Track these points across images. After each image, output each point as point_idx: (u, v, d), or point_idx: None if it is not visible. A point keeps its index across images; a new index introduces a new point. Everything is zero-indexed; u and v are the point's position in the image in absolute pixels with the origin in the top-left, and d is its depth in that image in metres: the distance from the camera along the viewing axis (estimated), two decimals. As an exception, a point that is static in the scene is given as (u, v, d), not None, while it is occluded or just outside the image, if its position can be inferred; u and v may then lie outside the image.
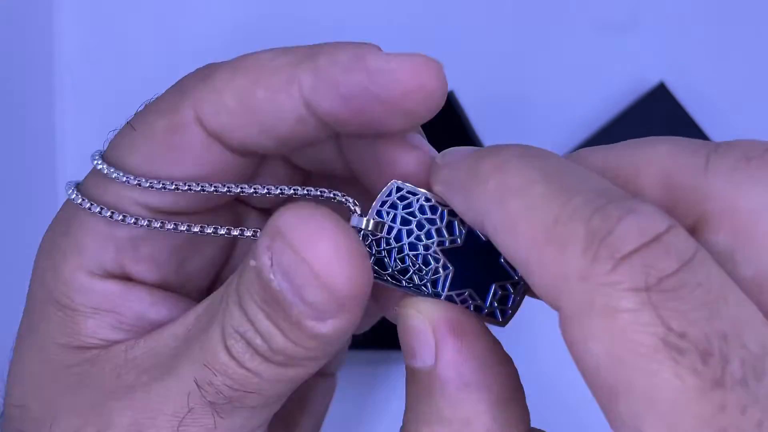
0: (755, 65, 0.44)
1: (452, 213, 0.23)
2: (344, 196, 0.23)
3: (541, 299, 0.19)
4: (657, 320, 0.17)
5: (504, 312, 0.23)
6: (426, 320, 0.22)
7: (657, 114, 0.43)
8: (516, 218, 0.19)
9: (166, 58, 0.43)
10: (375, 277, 0.22)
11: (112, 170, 0.23)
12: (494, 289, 0.23)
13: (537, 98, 0.44)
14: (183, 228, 0.23)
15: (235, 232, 0.23)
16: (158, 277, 0.25)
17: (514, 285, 0.23)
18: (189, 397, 0.22)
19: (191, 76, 0.24)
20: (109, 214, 0.23)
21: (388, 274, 0.23)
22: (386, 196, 0.23)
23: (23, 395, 0.24)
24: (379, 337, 0.41)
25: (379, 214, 0.23)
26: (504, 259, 0.23)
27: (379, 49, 0.22)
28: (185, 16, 0.45)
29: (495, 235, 0.20)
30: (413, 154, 0.23)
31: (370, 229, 0.23)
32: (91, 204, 0.24)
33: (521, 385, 0.22)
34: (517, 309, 0.23)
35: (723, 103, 0.44)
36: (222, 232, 0.23)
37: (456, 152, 0.22)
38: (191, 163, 0.23)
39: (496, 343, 0.22)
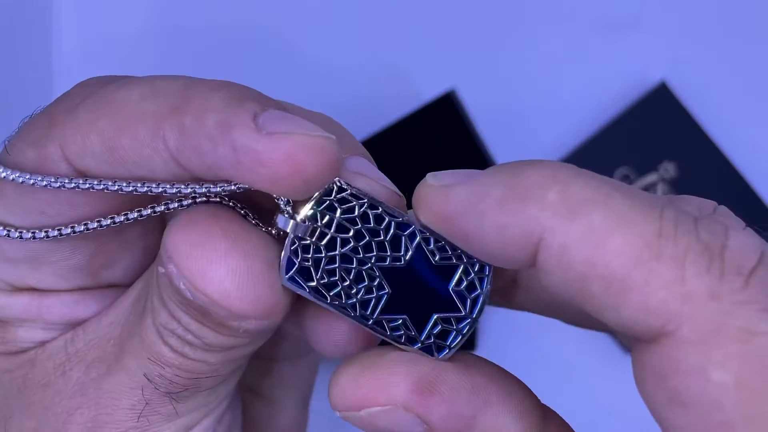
0: (757, 64, 0.44)
1: (401, 227, 0.20)
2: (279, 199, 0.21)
3: (617, 329, 0.17)
4: None
5: (441, 349, 0.20)
6: (390, 400, 0.20)
7: (658, 113, 0.43)
8: (604, 232, 0.17)
9: (166, 57, 0.43)
10: (296, 288, 0.20)
11: None
12: (435, 321, 0.20)
13: (538, 97, 0.44)
14: (67, 231, 0.21)
15: (133, 215, 0.21)
16: (72, 287, 0.23)
17: (459, 320, 0.20)
18: (143, 391, 0.22)
19: (62, 99, 0.21)
20: (5, 233, 0.21)
21: (312, 287, 0.20)
22: (325, 196, 0.20)
23: None
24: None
25: (313, 216, 0.20)
26: (455, 289, 0.20)
27: (257, 108, 0.19)
28: (185, 15, 0.45)
29: (566, 253, 0.17)
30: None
31: (297, 234, 0.20)
32: None
33: (515, 378, 0.21)
34: (456, 348, 0.20)
35: (724, 103, 0.43)
36: (120, 219, 0.21)
37: (458, 173, 0.19)
38: (65, 202, 0.21)
39: (470, 366, 0.20)
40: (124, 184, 0.20)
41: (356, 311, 0.20)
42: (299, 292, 0.20)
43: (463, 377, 0.20)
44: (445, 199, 0.19)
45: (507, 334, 0.39)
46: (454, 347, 0.20)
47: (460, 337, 0.20)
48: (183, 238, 0.19)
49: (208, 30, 0.44)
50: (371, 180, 0.21)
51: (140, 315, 0.22)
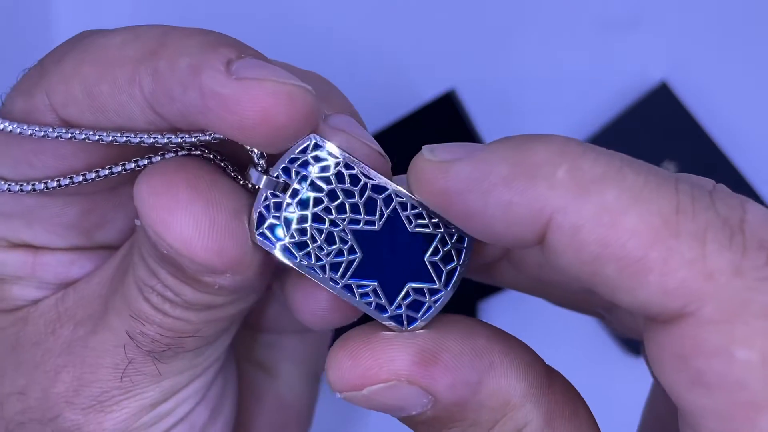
0: (757, 64, 0.44)
1: (377, 189, 0.19)
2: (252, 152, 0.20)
3: (632, 310, 0.17)
4: None
5: (411, 320, 0.20)
6: (392, 375, 0.19)
7: (659, 113, 0.43)
8: (619, 211, 0.16)
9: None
10: (265, 244, 0.19)
11: None
12: (407, 291, 0.20)
13: (539, 97, 0.44)
14: (53, 185, 0.21)
15: (118, 169, 0.21)
16: (66, 245, 0.23)
17: (433, 292, 0.20)
18: (125, 349, 0.21)
19: (56, 50, 0.21)
20: None
21: (281, 246, 0.19)
22: (299, 152, 0.19)
23: None
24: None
25: (286, 171, 0.19)
26: (431, 258, 0.20)
27: (232, 56, 0.19)
28: (185, 15, 0.45)
29: (578, 234, 0.16)
30: (334, 139, 0.20)
31: (269, 189, 0.19)
32: None
33: (515, 339, 0.20)
34: (427, 321, 0.20)
35: (725, 103, 0.43)
36: (105, 172, 0.21)
37: (456, 147, 0.18)
38: (51, 153, 0.21)
39: (472, 330, 0.20)
40: (104, 134, 0.20)
41: (325, 273, 0.19)
42: (268, 249, 0.19)
43: (464, 343, 0.19)
44: (445, 176, 0.18)
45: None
46: (425, 320, 0.20)
47: (431, 310, 0.20)
48: (146, 187, 0.19)
49: (206, 27, 0.44)
50: (352, 137, 0.20)
51: (124, 272, 0.22)
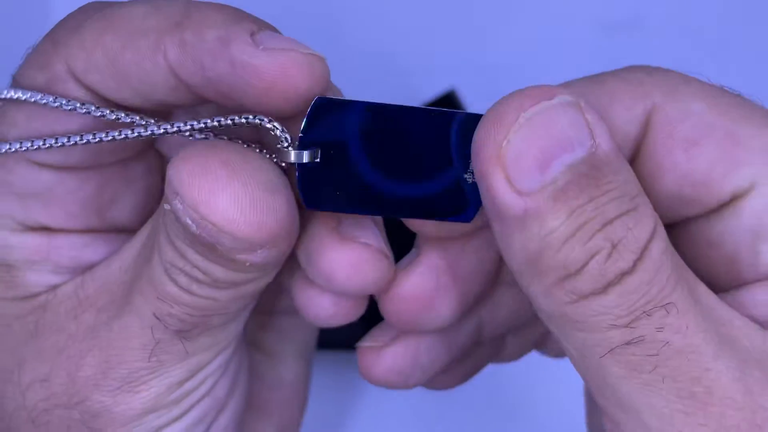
0: (757, 65, 0.44)
1: (394, 112, 0.21)
2: (271, 121, 0.21)
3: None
4: None
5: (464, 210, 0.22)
6: (575, 104, 0.19)
7: (658, 114, 0.43)
8: (617, 88, 0.21)
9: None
10: (318, 208, 0.21)
11: None
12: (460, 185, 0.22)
13: (538, 98, 0.44)
14: (72, 142, 0.21)
15: (130, 134, 0.21)
16: (81, 226, 0.24)
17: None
18: (153, 330, 0.22)
19: (63, 22, 0.22)
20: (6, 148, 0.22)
21: (332, 203, 0.21)
22: (314, 116, 0.21)
23: None
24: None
25: (309, 137, 0.21)
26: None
27: (254, 28, 0.20)
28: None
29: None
30: (344, 251, 0.22)
31: (300, 159, 0.21)
32: None
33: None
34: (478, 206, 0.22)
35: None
36: (132, 134, 0.21)
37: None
38: (77, 118, 0.22)
39: None
40: (122, 114, 0.21)
41: (378, 208, 0.21)
42: (323, 210, 0.21)
43: None
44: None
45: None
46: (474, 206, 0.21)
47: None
48: (185, 170, 0.20)
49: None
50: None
51: (148, 256, 0.22)
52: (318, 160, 0.21)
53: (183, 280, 0.21)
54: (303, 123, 0.21)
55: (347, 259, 0.21)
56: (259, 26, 0.21)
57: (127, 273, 0.23)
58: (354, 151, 0.21)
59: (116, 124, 0.22)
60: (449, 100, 0.42)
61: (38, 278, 0.24)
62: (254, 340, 0.29)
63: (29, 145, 0.22)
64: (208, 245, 0.20)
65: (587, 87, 0.21)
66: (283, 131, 0.21)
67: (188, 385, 0.23)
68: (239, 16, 0.21)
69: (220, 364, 0.24)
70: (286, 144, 0.21)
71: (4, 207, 0.23)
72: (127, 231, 0.24)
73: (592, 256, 0.18)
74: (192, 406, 0.24)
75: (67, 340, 0.23)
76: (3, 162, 0.23)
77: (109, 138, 0.21)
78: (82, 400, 0.22)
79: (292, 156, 0.21)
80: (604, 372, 0.19)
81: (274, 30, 0.21)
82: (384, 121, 0.21)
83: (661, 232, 0.19)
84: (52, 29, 0.22)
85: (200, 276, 0.21)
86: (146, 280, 0.22)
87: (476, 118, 0.20)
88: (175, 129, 0.21)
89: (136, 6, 0.21)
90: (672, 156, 0.21)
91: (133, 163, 0.24)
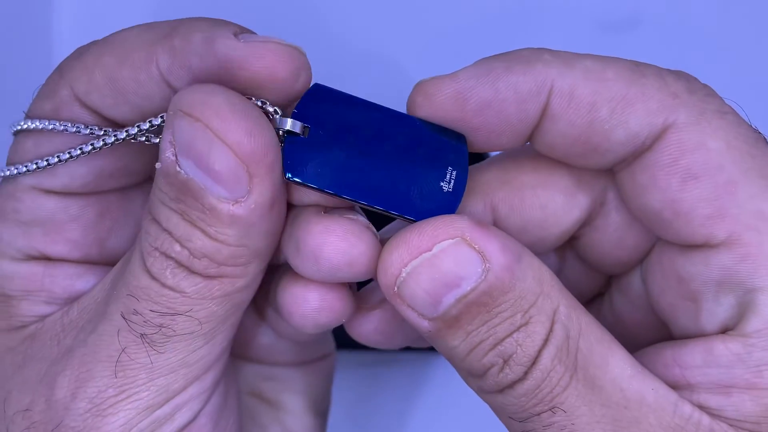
0: (757, 65, 0.44)
1: (379, 112, 0.23)
2: (260, 99, 0.22)
3: (626, 141, 0.22)
4: None
5: (452, 198, 0.23)
6: (458, 232, 0.21)
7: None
8: (600, 69, 0.22)
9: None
10: (295, 180, 0.22)
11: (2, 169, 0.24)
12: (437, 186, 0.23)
13: (538, 98, 0.44)
14: (88, 148, 0.23)
15: (134, 131, 0.23)
16: (79, 255, 0.25)
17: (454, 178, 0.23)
18: (119, 335, 0.22)
19: (71, 55, 0.24)
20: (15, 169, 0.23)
21: (310, 177, 0.22)
22: (305, 98, 0.22)
23: None
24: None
25: (299, 116, 0.22)
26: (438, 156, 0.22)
27: (237, 30, 0.22)
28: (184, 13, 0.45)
29: (575, 90, 0.21)
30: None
31: (293, 128, 0.22)
32: None
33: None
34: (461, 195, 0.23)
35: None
36: (122, 135, 0.23)
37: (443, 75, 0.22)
38: (81, 140, 0.23)
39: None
40: (121, 133, 0.23)
41: (352, 192, 0.22)
42: (298, 183, 0.22)
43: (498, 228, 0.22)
44: (455, 80, 0.22)
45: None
46: (458, 194, 0.23)
47: (461, 188, 0.23)
48: (185, 89, 0.21)
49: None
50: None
51: (127, 260, 0.23)
52: (306, 136, 0.22)
53: (158, 265, 0.22)
54: (299, 100, 0.22)
55: (335, 231, 0.22)
56: (241, 29, 0.22)
57: (106, 290, 0.23)
58: (340, 138, 0.22)
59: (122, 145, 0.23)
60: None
61: (31, 308, 0.24)
62: (259, 392, 0.29)
63: (33, 166, 0.23)
64: (195, 192, 0.21)
65: (628, 73, 0.22)
66: (271, 104, 0.22)
67: (159, 413, 0.23)
68: (222, 21, 0.22)
69: (194, 394, 0.23)
70: (277, 113, 0.22)
71: (9, 235, 0.24)
72: None
73: (488, 370, 0.21)
74: None
75: (48, 366, 0.23)
76: (12, 191, 0.24)
77: (99, 145, 0.23)
78: (56, 426, 0.22)
79: (285, 123, 0.22)
80: None
81: (255, 33, 0.22)
82: (372, 118, 0.22)
83: (557, 334, 0.21)
84: (61, 62, 0.24)
85: (178, 250, 0.21)
86: (121, 282, 0.22)
87: (458, 136, 0.22)
88: (150, 124, 0.23)
89: (130, 29, 0.23)
90: (668, 178, 0.21)
91: (132, 193, 0.25)
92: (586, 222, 0.25)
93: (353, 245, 0.22)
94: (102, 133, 0.23)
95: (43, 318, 0.24)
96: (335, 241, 0.22)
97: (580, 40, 0.44)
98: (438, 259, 0.21)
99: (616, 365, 0.21)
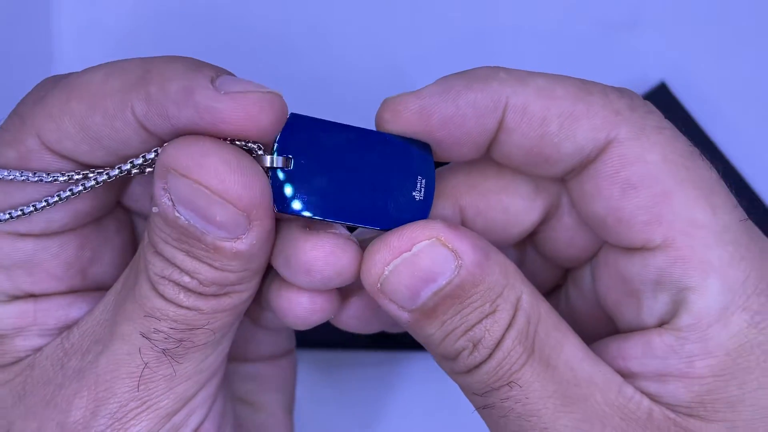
0: (757, 65, 0.44)
1: (356, 134, 0.24)
2: (244, 142, 0.22)
3: (572, 157, 0.24)
4: None
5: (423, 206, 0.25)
6: (433, 234, 0.23)
7: (658, 113, 0.43)
8: (550, 88, 0.23)
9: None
10: (285, 210, 0.23)
11: None
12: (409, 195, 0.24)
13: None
14: (71, 191, 0.23)
15: (115, 172, 0.23)
16: (65, 288, 0.25)
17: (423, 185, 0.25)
18: (141, 352, 0.23)
19: (27, 97, 0.24)
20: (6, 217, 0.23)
21: (299, 206, 0.23)
22: (285, 133, 0.23)
23: None
24: (379, 337, 0.41)
25: (281, 150, 0.23)
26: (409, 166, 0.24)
27: (213, 75, 0.22)
28: (185, 18, 0.45)
29: (528, 107, 0.23)
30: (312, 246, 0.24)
31: (276, 165, 0.23)
32: None
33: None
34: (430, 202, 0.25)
35: (724, 103, 0.43)
36: (103, 178, 0.23)
37: (407, 93, 0.24)
38: (56, 187, 0.23)
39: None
40: (101, 176, 0.23)
41: (338, 215, 0.24)
42: (290, 213, 0.23)
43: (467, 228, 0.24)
44: (418, 96, 0.24)
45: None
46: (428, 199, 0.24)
47: (430, 195, 0.24)
48: (175, 146, 0.22)
49: (206, 28, 0.44)
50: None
51: (132, 284, 0.23)
52: (291, 168, 0.23)
53: (170, 290, 0.23)
54: (278, 134, 0.23)
55: (323, 247, 0.23)
56: (217, 72, 0.22)
57: (108, 312, 0.24)
58: (320, 165, 0.23)
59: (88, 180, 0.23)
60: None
61: (25, 343, 0.24)
62: (239, 394, 0.29)
63: (7, 216, 0.23)
64: (196, 236, 0.22)
65: (576, 90, 0.24)
66: (260, 147, 0.23)
67: (176, 419, 0.24)
68: (197, 64, 0.22)
69: (204, 398, 0.25)
70: (260, 151, 0.23)
71: None
72: (109, 288, 0.25)
73: (459, 353, 0.24)
74: None
75: (54, 390, 0.23)
76: None
77: (87, 189, 0.23)
78: None
79: (267, 160, 0.23)
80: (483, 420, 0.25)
81: (231, 74, 0.23)
82: (347, 139, 0.24)
83: (519, 320, 0.23)
84: (17, 105, 0.23)
85: (187, 280, 0.22)
86: (132, 303, 0.23)
87: (424, 146, 0.24)
88: (132, 165, 0.23)
89: (93, 71, 0.23)
90: (610, 188, 0.24)
91: (107, 222, 0.26)
92: (543, 222, 0.27)
93: (339, 257, 0.24)
94: (80, 177, 0.23)
95: (37, 350, 0.24)
96: (324, 257, 0.23)
97: (580, 40, 0.44)
98: (417, 258, 0.23)
99: (569, 349, 0.24)
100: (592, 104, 0.24)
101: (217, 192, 0.21)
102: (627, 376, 0.24)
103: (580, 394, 0.23)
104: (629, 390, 0.23)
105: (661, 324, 0.24)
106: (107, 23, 0.44)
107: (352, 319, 0.27)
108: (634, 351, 0.24)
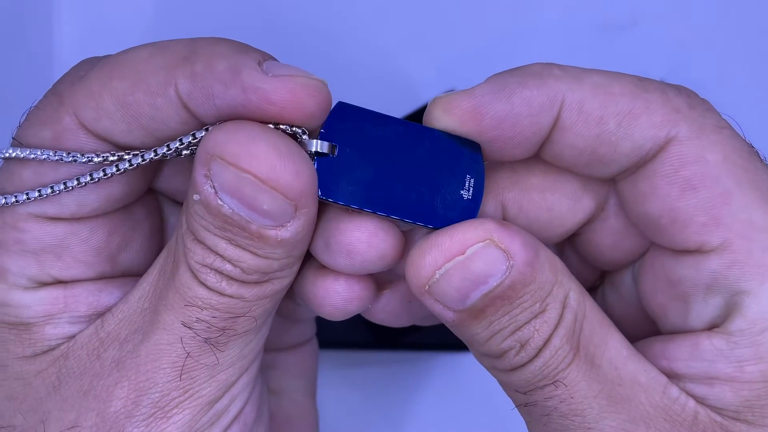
0: (757, 65, 0.44)
1: (402, 127, 0.23)
2: (288, 126, 0.22)
3: (631, 153, 0.23)
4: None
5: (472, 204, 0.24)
6: (486, 234, 0.22)
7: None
8: (607, 84, 0.23)
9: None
10: (329, 197, 0.23)
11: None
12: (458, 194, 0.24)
13: (538, 98, 0.44)
14: (110, 172, 0.23)
15: (150, 155, 0.23)
16: (94, 274, 0.25)
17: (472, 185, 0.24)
18: (183, 342, 0.23)
19: (66, 77, 0.23)
20: (36, 194, 0.23)
21: (342, 194, 0.23)
22: (331, 119, 0.23)
23: (3, 417, 0.24)
24: (380, 337, 0.41)
25: (325, 136, 0.23)
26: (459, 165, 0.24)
27: (260, 58, 0.22)
28: (186, 18, 0.45)
29: (584, 104, 0.22)
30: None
31: (320, 149, 0.23)
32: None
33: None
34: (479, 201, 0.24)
35: (724, 103, 0.43)
36: (137, 161, 0.23)
37: (461, 91, 0.23)
38: (88, 168, 0.23)
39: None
40: (136, 159, 0.23)
41: (381, 207, 0.23)
42: (333, 200, 0.23)
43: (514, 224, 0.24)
44: (471, 95, 0.23)
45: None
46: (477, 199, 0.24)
47: (479, 193, 0.24)
48: (221, 132, 0.21)
49: (208, 28, 0.44)
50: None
51: (170, 274, 0.23)
52: (335, 155, 0.23)
53: (212, 278, 0.22)
54: (324, 120, 0.23)
55: (367, 228, 0.23)
56: (263, 56, 0.22)
57: (146, 301, 0.23)
58: (366, 155, 0.23)
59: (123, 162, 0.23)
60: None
61: (56, 331, 0.24)
62: (266, 380, 0.29)
63: (36, 194, 0.22)
64: (240, 224, 0.21)
65: (633, 88, 0.23)
66: (304, 132, 0.22)
67: (218, 406, 0.24)
68: (243, 47, 0.22)
69: (245, 383, 0.25)
70: (305, 135, 0.22)
71: (17, 266, 0.24)
72: (138, 275, 0.25)
73: (505, 353, 0.23)
74: (224, 431, 0.24)
75: (92, 380, 0.23)
76: (14, 222, 0.23)
77: (121, 170, 0.22)
78: None
79: (313, 145, 0.22)
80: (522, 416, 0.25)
81: (277, 60, 0.22)
82: (394, 132, 0.23)
83: (567, 318, 0.23)
84: (54, 84, 0.23)
85: (230, 269, 0.22)
86: (173, 292, 0.23)
87: (473, 145, 0.24)
88: (168, 147, 0.22)
89: (138, 50, 0.22)
90: (668, 188, 0.23)
91: (136, 208, 0.25)
92: (587, 223, 0.26)
93: (383, 240, 0.23)
94: (116, 159, 0.22)
95: (69, 338, 0.24)
96: (368, 238, 0.23)
97: (580, 40, 0.44)
98: (470, 261, 0.22)
99: (614, 347, 0.23)
100: (650, 102, 0.23)
101: (266, 180, 0.21)
102: (671, 376, 0.23)
103: (624, 394, 0.23)
104: (674, 391, 0.23)
105: (711, 327, 0.23)
106: (108, 24, 0.44)
107: (384, 312, 0.27)
108: (680, 352, 0.23)
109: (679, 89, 0.24)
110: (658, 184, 0.23)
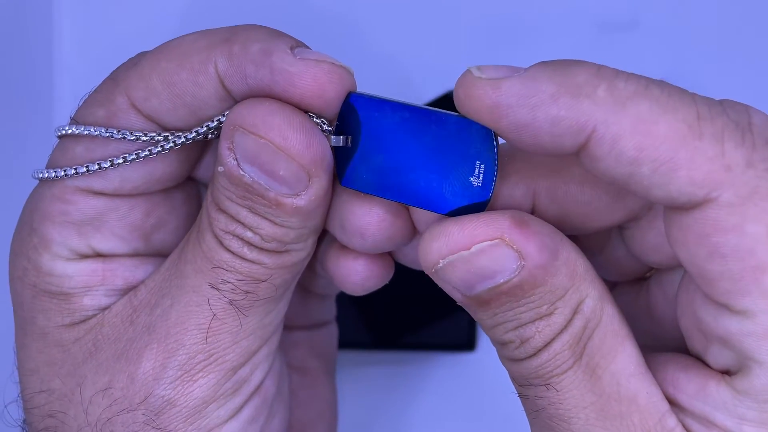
0: (757, 65, 0.44)
1: (414, 113, 0.24)
2: (313, 114, 0.24)
3: (661, 202, 0.20)
4: None
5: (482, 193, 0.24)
6: (498, 234, 0.22)
7: (658, 114, 0.43)
8: (652, 121, 0.20)
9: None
10: (349, 185, 0.24)
11: (50, 171, 0.25)
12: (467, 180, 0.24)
13: (538, 98, 0.44)
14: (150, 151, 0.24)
15: (191, 135, 0.24)
16: (129, 250, 0.26)
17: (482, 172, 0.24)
18: (210, 303, 0.24)
19: (123, 65, 0.25)
20: (84, 169, 0.24)
21: (360, 183, 0.24)
22: (344, 109, 0.24)
23: (42, 381, 0.25)
24: (380, 337, 0.41)
25: (341, 126, 0.24)
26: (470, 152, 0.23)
27: (293, 44, 0.23)
28: (187, 18, 0.45)
29: (618, 142, 0.20)
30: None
31: (339, 144, 0.24)
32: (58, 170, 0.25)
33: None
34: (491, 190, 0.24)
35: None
36: (181, 140, 0.24)
37: (502, 67, 0.22)
38: (134, 146, 0.24)
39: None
40: (179, 138, 0.24)
41: (396, 193, 0.24)
42: (353, 188, 0.24)
43: (541, 221, 0.23)
44: (496, 92, 0.21)
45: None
46: (489, 188, 0.23)
47: (491, 181, 0.23)
48: (243, 106, 0.23)
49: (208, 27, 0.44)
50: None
51: (198, 240, 0.25)
52: (350, 145, 0.24)
53: (235, 244, 0.24)
54: (339, 113, 0.24)
55: (376, 213, 0.25)
56: (297, 43, 0.24)
57: (174, 266, 0.25)
58: (378, 143, 0.24)
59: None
60: (449, 100, 0.42)
61: (93, 302, 0.25)
62: (286, 358, 0.30)
63: (84, 169, 0.24)
64: (260, 192, 0.23)
65: (684, 130, 0.20)
66: (323, 121, 0.24)
67: (241, 373, 0.25)
68: (279, 33, 0.24)
69: (266, 353, 0.26)
70: (324, 123, 0.24)
71: (60, 236, 0.25)
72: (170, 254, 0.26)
73: (507, 344, 0.23)
74: (245, 402, 0.25)
75: (125, 344, 0.24)
76: (61, 194, 0.25)
77: (165, 149, 0.24)
78: (145, 398, 0.24)
79: (330, 141, 0.24)
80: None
81: (309, 48, 0.24)
82: (405, 119, 0.24)
83: (575, 325, 0.22)
84: (112, 72, 0.25)
85: (250, 236, 0.24)
86: (200, 257, 0.24)
87: (488, 131, 0.23)
88: (207, 128, 0.24)
89: (186, 35, 0.24)
90: (696, 247, 0.21)
91: (176, 192, 0.27)
92: (631, 219, 0.24)
93: (392, 223, 0.25)
94: (161, 139, 0.24)
95: (104, 309, 0.25)
96: (377, 223, 0.25)
97: (579, 40, 0.44)
98: (474, 257, 0.22)
99: (621, 360, 0.23)
100: (698, 153, 0.20)
101: (281, 147, 0.22)
102: (673, 404, 0.23)
103: (618, 411, 0.22)
104: (671, 422, 0.22)
105: (726, 371, 0.22)
106: (108, 24, 0.44)
107: (409, 257, 0.27)
108: (688, 387, 0.22)
109: (744, 137, 0.20)
110: (688, 238, 0.21)
